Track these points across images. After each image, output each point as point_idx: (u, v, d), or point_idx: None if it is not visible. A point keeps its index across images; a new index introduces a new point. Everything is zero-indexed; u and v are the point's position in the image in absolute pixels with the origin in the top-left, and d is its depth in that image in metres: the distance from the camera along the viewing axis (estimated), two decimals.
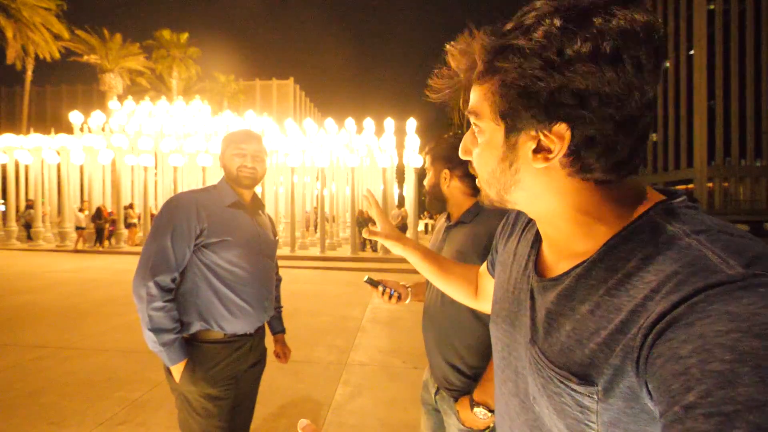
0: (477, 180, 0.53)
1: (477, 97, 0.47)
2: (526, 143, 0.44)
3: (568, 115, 0.40)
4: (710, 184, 39.88)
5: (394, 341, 4.02)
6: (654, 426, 0.36)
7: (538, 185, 0.46)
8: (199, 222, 1.27)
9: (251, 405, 1.48)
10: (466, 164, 1.21)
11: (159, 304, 1.20)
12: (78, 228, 11.86)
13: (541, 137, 0.42)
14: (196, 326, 1.28)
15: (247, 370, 1.40)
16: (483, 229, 1.13)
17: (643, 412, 0.36)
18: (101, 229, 11.80)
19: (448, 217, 1.29)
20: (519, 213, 0.68)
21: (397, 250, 0.90)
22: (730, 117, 38.95)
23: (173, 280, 1.25)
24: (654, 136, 46.59)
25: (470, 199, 1.23)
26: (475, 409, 1.05)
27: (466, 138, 0.52)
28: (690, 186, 40.87)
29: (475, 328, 1.12)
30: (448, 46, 0.48)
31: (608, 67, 0.38)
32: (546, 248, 0.53)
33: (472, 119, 0.49)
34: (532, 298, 0.51)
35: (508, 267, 0.61)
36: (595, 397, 0.39)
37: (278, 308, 1.65)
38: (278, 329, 1.64)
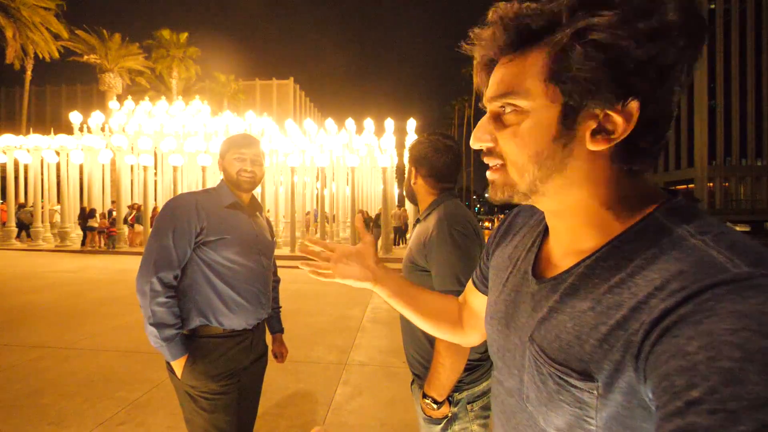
0: (494, 171, 0.47)
1: (518, 70, 0.42)
2: (587, 121, 0.40)
3: (646, 91, 0.37)
4: (711, 184, 39.88)
5: (394, 341, 4.01)
6: (650, 422, 0.35)
7: (578, 172, 0.42)
8: (198, 221, 1.31)
9: (255, 401, 1.52)
10: (429, 165, 1.26)
11: (162, 299, 1.24)
12: (90, 228, 11.92)
13: (610, 115, 0.39)
14: (195, 322, 1.31)
15: (249, 366, 1.43)
16: (424, 228, 1.20)
17: (639, 407, 0.36)
18: (85, 228, 11.93)
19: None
20: (514, 217, 0.66)
21: (363, 285, 0.75)
22: (731, 116, 38.94)
23: (175, 277, 1.29)
24: None
25: (430, 198, 1.29)
26: (424, 400, 1.08)
27: (485, 123, 0.46)
28: (690, 186, 40.86)
29: None
30: (493, 7, 0.43)
31: (689, 41, 0.35)
32: (552, 244, 0.52)
33: (509, 99, 0.43)
34: (533, 298, 0.50)
35: (504, 270, 0.59)
36: (594, 392, 0.39)
37: (277, 308, 1.68)
38: (277, 329, 1.67)
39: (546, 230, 0.54)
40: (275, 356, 1.65)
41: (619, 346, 0.37)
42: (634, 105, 0.38)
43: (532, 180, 0.44)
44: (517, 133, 0.43)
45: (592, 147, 0.40)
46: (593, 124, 0.40)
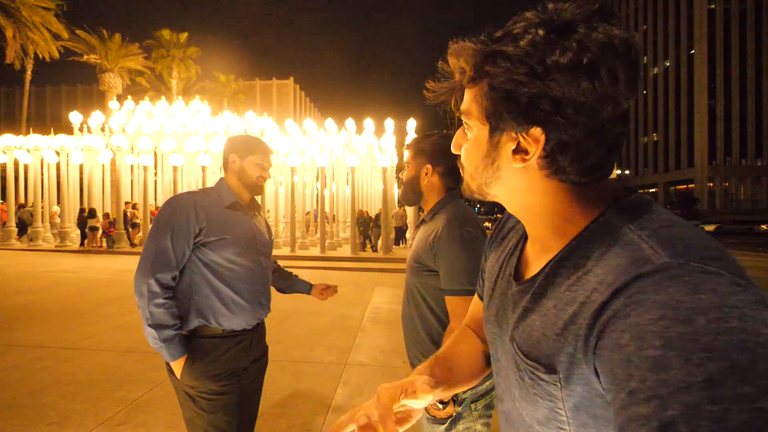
0: (462, 171, 0.56)
1: (467, 98, 0.50)
2: (507, 143, 0.47)
3: (544, 120, 0.43)
4: (711, 184, 39.88)
5: (394, 341, 4.01)
6: (608, 409, 0.38)
7: (517, 182, 0.49)
8: (197, 221, 1.31)
9: (256, 401, 1.52)
10: (448, 162, 1.24)
11: (160, 300, 1.24)
12: (92, 228, 11.93)
13: (520, 139, 0.45)
14: (195, 322, 1.31)
15: (249, 366, 1.43)
16: (431, 228, 1.19)
17: (596, 396, 0.39)
18: (86, 228, 12.01)
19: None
20: (504, 223, 0.69)
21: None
22: (731, 116, 38.95)
23: (174, 278, 1.29)
24: (654, 136, 46.59)
25: (436, 198, 1.27)
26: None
27: (458, 134, 0.55)
28: (690, 186, 40.88)
29: (431, 320, 1.22)
30: (450, 48, 0.50)
31: (585, 77, 0.40)
32: (529, 244, 0.56)
33: (463, 118, 0.52)
34: (514, 300, 0.53)
35: (494, 275, 0.63)
36: (558, 384, 0.42)
37: (292, 276, 1.79)
38: (306, 287, 1.78)
39: (526, 234, 0.58)
40: (327, 290, 1.76)
41: (570, 339, 0.41)
42: (535, 131, 0.43)
43: (479, 185, 0.52)
44: (467, 147, 0.52)
45: (514, 164, 0.47)
46: (513, 145, 0.46)
